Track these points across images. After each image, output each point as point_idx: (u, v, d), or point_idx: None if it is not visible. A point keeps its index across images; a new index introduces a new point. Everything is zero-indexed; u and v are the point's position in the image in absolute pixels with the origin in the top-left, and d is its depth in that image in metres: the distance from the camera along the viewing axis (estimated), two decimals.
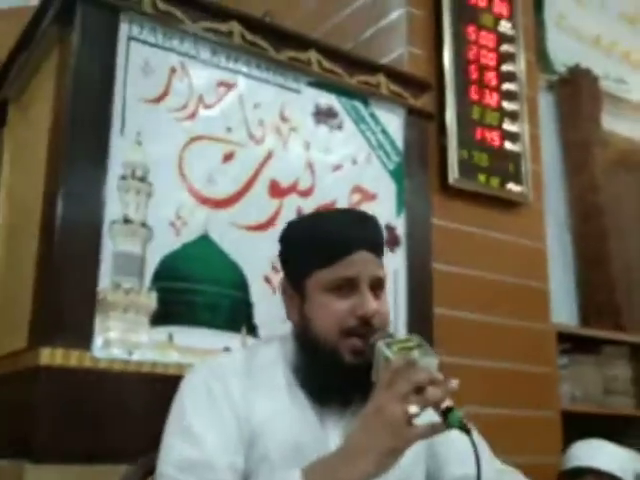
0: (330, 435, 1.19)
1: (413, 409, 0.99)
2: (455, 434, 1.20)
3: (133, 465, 1.39)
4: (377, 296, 1.23)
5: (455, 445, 1.24)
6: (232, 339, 1.91)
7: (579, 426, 2.62)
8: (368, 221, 1.29)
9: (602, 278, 3.28)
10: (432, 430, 1.01)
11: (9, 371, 1.84)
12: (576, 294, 3.32)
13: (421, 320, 2.29)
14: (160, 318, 1.82)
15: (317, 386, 1.21)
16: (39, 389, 1.63)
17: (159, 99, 1.94)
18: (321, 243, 1.22)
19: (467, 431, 1.00)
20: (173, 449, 1.14)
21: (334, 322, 1.19)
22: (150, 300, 1.80)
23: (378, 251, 1.27)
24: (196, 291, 1.89)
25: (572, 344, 2.88)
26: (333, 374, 1.18)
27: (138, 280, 1.80)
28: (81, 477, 1.61)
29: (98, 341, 1.71)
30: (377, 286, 1.23)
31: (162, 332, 1.81)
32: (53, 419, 1.62)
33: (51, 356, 1.63)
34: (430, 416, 1.04)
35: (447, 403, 1.01)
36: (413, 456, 1.22)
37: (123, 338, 1.75)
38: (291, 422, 1.18)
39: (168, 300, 1.84)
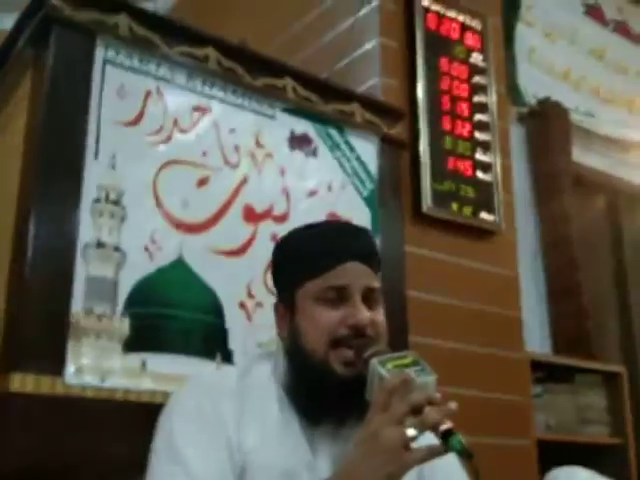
0: (321, 462, 1.14)
1: (411, 432, 0.95)
2: (451, 464, 1.22)
3: None
4: (371, 307, 1.19)
5: (440, 466, 1.20)
6: (207, 365, 1.87)
7: (554, 455, 2.61)
8: (360, 232, 1.28)
9: (573, 307, 3.30)
10: (431, 454, 0.97)
11: None
12: (548, 323, 3.33)
13: (397, 347, 2.27)
14: (133, 344, 1.78)
15: (308, 403, 1.16)
16: (10, 416, 1.58)
17: (134, 122, 1.92)
18: (311, 253, 1.20)
19: (469, 455, 0.96)
20: (161, 475, 1.09)
21: (324, 332, 1.15)
22: (123, 326, 1.77)
23: (371, 262, 1.23)
24: (170, 317, 1.86)
25: (546, 373, 2.88)
26: (324, 388, 1.13)
27: (111, 305, 1.77)
28: None
29: (70, 368, 1.67)
30: (371, 297, 1.20)
31: (135, 358, 1.77)
32: (24, 446, 1.57)
33: (22, 382, 1.59)
34: (428, 439, 0.99)
35: (446, 425, 0.96)
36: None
37: (95, 365, 1.70)
38: (281, 449, 1.13)
39: (141, 326, 1.81)
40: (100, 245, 1.79)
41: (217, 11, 3.57)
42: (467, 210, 2.74)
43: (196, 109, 2.06)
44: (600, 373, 3.02)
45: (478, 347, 2.61)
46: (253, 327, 2.00)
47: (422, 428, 0.96)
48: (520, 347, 2.76)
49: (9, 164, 1.93)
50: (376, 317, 1.19)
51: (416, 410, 0.97)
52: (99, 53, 1.90)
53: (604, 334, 3.47)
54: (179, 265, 1.91)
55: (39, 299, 1.67)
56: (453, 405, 0.98)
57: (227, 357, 1.92)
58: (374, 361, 1.07)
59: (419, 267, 2.51)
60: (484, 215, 2.78)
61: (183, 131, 2.01)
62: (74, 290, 1.72)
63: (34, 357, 1.62)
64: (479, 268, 2.73)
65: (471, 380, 2.53)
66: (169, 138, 1.98)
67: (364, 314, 1.16)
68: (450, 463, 1.26)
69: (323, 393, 1.14)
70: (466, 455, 0.96)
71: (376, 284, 1.22)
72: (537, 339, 3.20)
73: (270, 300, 2.00)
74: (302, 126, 2.28)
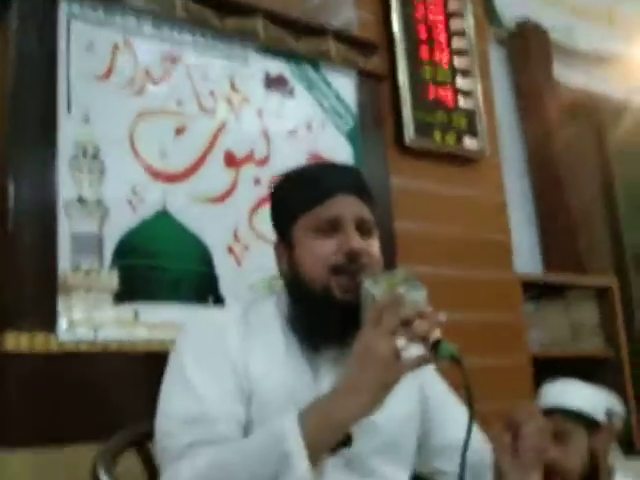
0: (323, 385, 1.19)
1: (401, 343, 1.00)
2: (451, 403, 1.32)
3: (110, 439, 1.40)
4: (365, 237, 1.23)
5: (451, 412, 1.31)
6: (200, 311, 1.91)
7: (549, 371, 2.67)
8: (350, 169, 1.35)
9: (562, 225, 3.32)
10: (421, 361, 1.02)
11: None
12: (539, 242, 3.36)
13: None
14: (124, 296, 1.81)
15: (310, 329, 1.21)
16: (6, 374, 1.63)
17: (105, 76, 1.92)
18: (304, 188, 1.24)
19: (457, 361, 1.00)
20: (173, 403, 1.15)
21: (322, 261, 1.19)
22: (112, 279, 1.80)
23: (363, 196, 1.26)
24: (159, 267, 1.89)
25: (538, 291, 2.92)
26: (326, 312, 1.18)
27: (98, 260, 1.79)
28: (58, 459, 1.62)
29: (62, 323, 1.71)
30: (364, 228, 1.23)
31: (127, 310, 1.81)
32: (23, 404, 1.61)
33: (16, 341, 1.63)
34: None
35: (436, 335, 1.00)
36: (407, 413, 1.26)
37: (87, 318, 1.74)
38: (286, 374, 1.19)
39: (131, 277, 1.84)
40: (82, 201, 1.80)
41: None
42: (450, 138, 2.74)
43: (166, 58, 2.04)
44: (591, 288, 3.06)
45: (468, 271, 2.64)
46: (243, 270, 2.03)
47: (412, 339, 1.01)
48: (510, 269, 2.79)
49: None
50: (370, 246, 1.23)
51: (406, 323, 1.01)
52: (63, 9, 1.88)
53: (595, 249, 3.49)
54: (163, 216, 1.93)
55: (26, 258, 1.70)
56: (442, 316, 1.03)
57: (219, 301, 1.95)
58: (367, 282, 1.12)
59: (405, 198, 2.53)
60: (468, 142, 2.78)
61: (155, 81, 2.01)
62: (60, 247, 1.75)
63: (26, 315, 1.66)
64: (465, 195, 2.74)
65: (463, 304, 2.56)
66: (142, 89, 1.97)
67: (357, 240, 1.20)
68: (447, 394, 1.37)
69: (324, 318, 1.18)
70: (454, 360, 1.00)
71: (368, 216, 1.25)
72: (528, 259, 3.23)
73: (257, 243, 2.06)
74: (277, 67, 2.27)
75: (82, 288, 1.74)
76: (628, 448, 2.72)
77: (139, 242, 1.87)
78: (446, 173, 2.71)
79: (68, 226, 1.77)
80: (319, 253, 1.20)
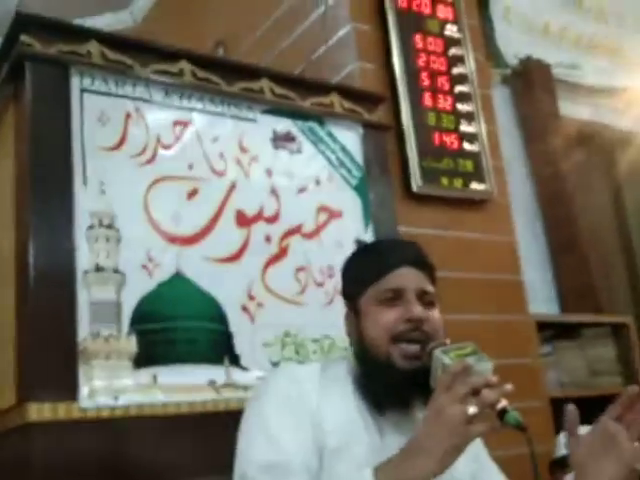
0: (389, 446, 1.24)
1: (471, 409, 1.06)
2: (495, 470, 1.41)
3: None
4: (427, 308, 1.31)
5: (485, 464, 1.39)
6: (216, 371, 1.95)
7: None
8: (411, 243, 1.44)
9: (577, 262, 3.34)
10: (490, 428, 1.08)
11: (1, 429, 1.87)
12: (553, 280, 3.38)
13: None
14: (143, 360, 1.85)
15: (375, 393, 1.29)
16: (31, 445, 1.67)
17: (118, 146, 1.98)
18: (370, 262, 1.36)
19: (524, 429, 1.09)
20: (254, 449, 1.21)
21: (384, 329, 1.28)
22: (130, 344, 1.84)
23: (424, 269, 1.36)
24: (175, 329, 1.93)
25: (553, 331, 2.93)
26: (388, 379, 1.26)
27: (116, 326, 1.84)
28: None
29: (84, 391, 1.74)
30: (425, 299, 1.32)
31: (146, 374, 1.85)
32: (48, 473, 1.65)
33: (39, 412, 1.67)
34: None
35: (503, 404, 1.09)
36: (462, 478, 1.31)
37: (108, 385, 1.78)
38: (357, 431, 1.26)
39: (148, 342, 1.88)
40: (99, 269, 1.85)
41: (191, 14, 3.60)
42: (457, 183, 2.78)
43: (177, 123, 2.11)
44: (607, 325, 3.07)
45: (482, 316, 2.66)
46: (257, 328, 2.06)
47: (481, 406, 1.08)
48: (524, 310, 2.81)
49: (4, 192, 1.99)
50: (432, 317, 1.32)
51: (475, 391, 1.09)
52: (75, 82, 1.95)
53: (611, 286, 3.50)
54: (178, 278, 1.97)
55: (46, 327, 1.75)
56: (508, 386, 1.12)
57: (234, 361, 1.99)
58: (437, 351, 1.19)
59: None
60: (475, 185, 2.82)
61: (167, 147, 2.07)
62: (79, 316, 1.80)
63: (48, 385, 1.70)
64: (475, 238, 2.78)
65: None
66: (154, 156, 2.03)
67: (418, 309, 1.29)
68: (492, 464, 1.45)
69: (387, 385, 1.27)
70: (520, 428, 1.09)
71: (429, 288, 1.34)
72: (543, 298, 3.25)
73: (270, 300, 2.10)
74: (283, 125, 2.32)
75: (102, 355, 1.79)
76: None
77: (155, 306, 1.92)
78: (455, 218, 2.74)
79: (87, 294, 1.82)
80: (382, 322, 1.29)
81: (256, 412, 1.26)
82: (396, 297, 1.30)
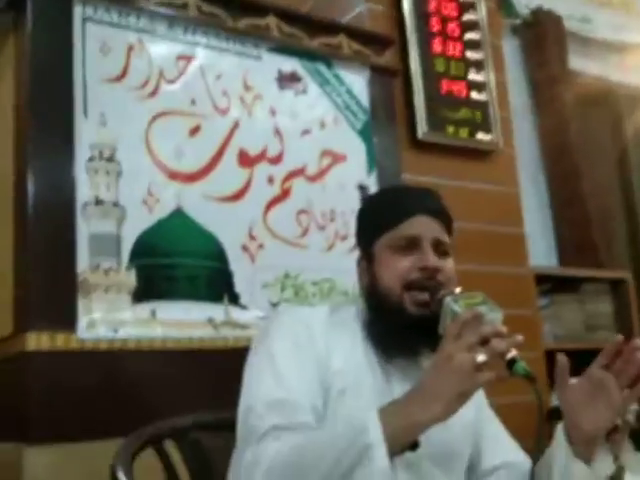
0: (395, 390, 1.25)
1: (480, 357, 1.05)
2: (497, 427, 1.41)
3: (127, 438, 1.44)
4: (441, 257, 1.29)
5: (498, 436, 1.40)
6: (215, 309, 1.95)
7: None
8: (429, 192, 1.40)
9: (578, 216, 3.32)
10: (497, 377, 1.06)
11: None
12: (554, 234, 3.37)
13: None
14: (142, 295, 1.85)
15: (385, 337, 1.28)
16: (28, 374, 1.67)
17: (120, 78, 1.94)
18: (386, 208, 1.33)
19: (532, 379, 1.07)
20: (263, 386, 1.20)
21: (398, 276, 1.26)
22: (130, 278, 1.84)
23: (441, 218, 1.34)
24: (175, 265, 1.92)
25: (552, 285, 2.93)
26: (398, 326, 1.25)
27: (116, 259, 1.83)
28: (78, 454, 1.66)
29: (83, 322, 1.74)
30: (440, 249, 1.30)
31: (145, 308, 1.85)
32: (45, 402, 1.66)
33: (37, 341, 1.67)
34: None
35: (512, 354, 1.07)
36: (463, 428, 1.31)
37: (107, 317, 1.78)
38: (363, 373, 1.26)
39: (148, 276, 1.87)
40: (99, 202, 1.83)
41: None
42: (463, 132, 2.74)
43: (180, 58, 2.07)
44: (606, 281, 3.07)
45: (483, 266, 2.65)
46: (257, 268, 2.06)
47: (490, 355, 1.06)
48: (525, 262, 2.80)
49: (3, 122, 1.96)
50: (445, 266, 1.30)
51: (485, 340, 1.07)
52: (77, 11, 1.91)
53: (611, 241, 3.48)
54: (178, 215, 1.96)
55: (45, 259, 1.74)
56: (519, 337, 1.09)
57: (234, 300, 1.98)
58: (448, 299, 1.17)
59: None
60: (481, 135, 2.79)
61: (170, 81, 2.03)
62: (78, 248, 1.78)
63: (47, 316, 1.69)
64: (479, 189, 2.75)
65: None
66: (156, 90, 2.00)
67: (433, 258, 1.27)
68: (494, 418, 1.45)
69: (397, 330, 1.26)
70: (529, 378, 1.07)
71: (444, 238, 1.32)
72: (543, 251, 3.24)
73: (271, 241, 2.09)
74: (289, 64, 2.28)
75: (101, 288, 1.78)
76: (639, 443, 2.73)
77: (155, 241, 1.90)
78: (459, 167, 2.72)
79: (86, 227, 1.80)
80: (396, 269, 1.27)
81: (264, 350, 1.26)
82: (411, 245, 1.28)
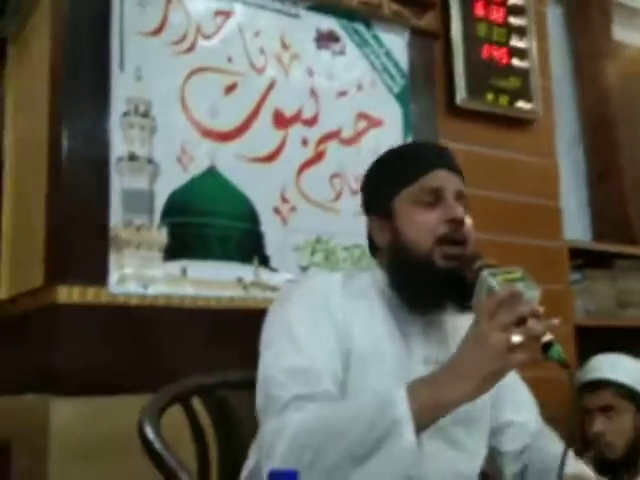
0: (415, 353, 1.25)
1: (516, 338, 1.02)
2: (518, 385, 1.38)
3: (155, 395, 1.44)
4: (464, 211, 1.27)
5: (518, 393, 1.38)
6: (244, 270, 1.94)
7: (594, 340, 2.65)
8: (445, 148, 1.37)
9: (614, 191, 3.25)
10: (531, 358, 1.03)
11: (28, 308, 1.88)
12: (589, 209, 3.30)
13: None
14: (173, 253, 1.84)
15: (409, 293, 1.25)
16: (58, 326, 1.68)
17: (157, 32, 1.91)
18: (405, 163, 1.30)
19: (567, 366, 1.03)
20: (282, 355, 1.18)
21: (427, 231, 1.23)
22: (162, 236, 1.83)
23: (460, 175, 1.31)
24: (207, 225, 1.91)
25: (585, 259, 2.88)
26: (427, 278, 1.22)
27: (148, 216, 1.82)
28: (105, 408, 1.67)
29: (114, 277, 1.75)
30: (463, 202, 1.27)
31: (175, 266, 1.84)
32: (74, 354, 1.67)
33: (68, 293, 1.67)
34: None
35: (548, 337, 1.03)
36: (485, 398, 1.26)
37: (138, 273, 1.78)
38: (382, 338, 1.24)
39: (180, 235, 1.86)
40: (133, 158, 1.82)
41: None
42: (503, 99, 2.68)
43: (219, 13, 2.03)
44: None
45: (516, 238, 2.61)
46: (288, 231, 2.04)
47: (526, 336, 1.03)
48: (559, 236, 2.75)
49: (39, 75, 1.95)
50: (468, 218, 1.27)
51: (520, 320, 1.04)
52: None
53: None
54: (212, 174, 1.94)
55: (78, 213, 1.74)
56: (555, 321, 1.06)
57: (264, 261, 1.97)
58: (485, 273, 1.12)
59: None
60: (521, 104, 2.72)
61: (207, 37, 2.00)
62: (111, 203, 1.78)
63: (78, 269, 1.70)
64: (517, 159, 2.70)
65: None
66: (193, 45, 1.97)
67: (460, 209, 1.24)
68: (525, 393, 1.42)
69: (426, 284, 1.22)
70: (563, 365, 1.03)
71: (465, 192, 1.30)
72: (577, 224, 3.18)
73: (304, 204, 2.06)
74: (328, 23, 2.23)
75: (133, 244, 1.78)
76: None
77: (188, 200, 1.89)
78: (497, 135, 2.66)
79: (119, 183, 1.79)
80: (424, 223, 1.24)
81: (280, 319, 1.23)
82: (436, 198, 1.25)
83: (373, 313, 1.26)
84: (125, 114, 1.82)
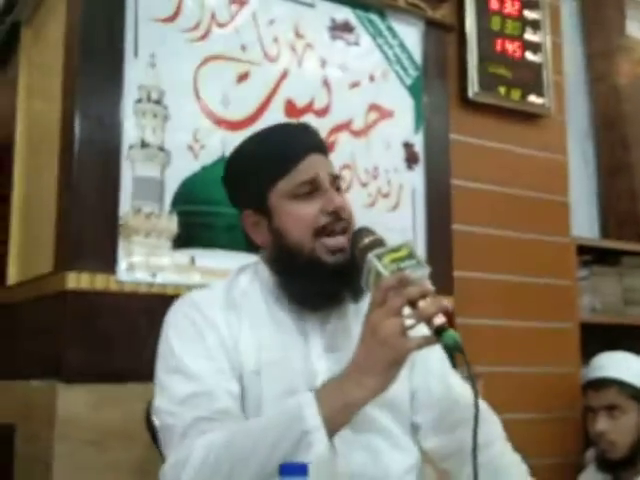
0: (314, 348, 1.21)
1: (407, 321, 1.00)
2: (433, 358, 1.28)
3: None
4: (339, 194, 1.24)
5: (431, 367, 1.29)
6: (252, 260, 1.92)
7: (599, 337, 2.65)
8: (308, 127, 1.32)
9: (624, 188, 3.24)
10: (426, 341, 1.01)
11: (36, 294, 1.89)
12: (597, 205, 3.29)
13: (440, 236, 2.30)
14: (182, 241, 1.84)
15: (301, 295, 1.21)
16: (67, 313, 1.68)
17: (171, 18, 1.90)
18: (274, 154, 1.23)
19: (460, 350, 0.99)
20: (169, 388, 1.15)
21: (306, 225, 1.19)
22: (171, 224, 1.83)
23: (326, 153, 1.29)
24: (216, 214, 1.90)
25: (593, 256, 2.87)
26: (315, 277, 1.18)
27: (158, 204, 1.82)
28: (111, 395, 1.68)
29: (122, 265, 1.75)
30: (336, 184, 1.24)
31: (184, 255, 1.84)
32: (82, 341, 1.67)
33: (77, 280, 1.67)
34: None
35: (440, 321, 0.99)
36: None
37: (146, 261, 1.78)
38: (276, 343, 1.20)
39: (189, 223, 1.86)
40: (145, 145, 1.82)
41: None
42: (515, 94, 2.67)
43: (233, 1, 2.02)
44: None
45: (525, 233, 2.61)
46: None
47: (418, 320, 1.01)
48: (567, 232, 2.75)
49: (53, 59, 1.94)
50: (346, 201, 1.24)
51: (412, 303, 1.01)
52: None
53: None
54: (223, 163, 1.91)
55: (88, 200, 1.74)
56: (445, 302, 1.03)
57: None
58: (371, 256, 1.08)
59: (465, 155, 2.49)
60: (533, 98, 2.71)
61: (221, 25, 1.98)
62: (122, 190, 1.78)
63: (87, 256, 1.70)
64: (527, 153, 2.69)
65: (516, 266, 2.55)
66: (207, 33, 1.96)
67: (339, 199, 1.21)
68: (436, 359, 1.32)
69: (314, 284, 1.18)
70: (457, 350, 0.99)
71: (336, 172, 1.27)
72: (586, 221, 3.17)
73: None
74: (343, 13, 2.22)
75: (142, 231, 1.78)
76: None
77: (198, 188, 1.89)
78: (508, 130, 2.65)
79: (130, 169, 1.79)
80: (303, 217, 1.19)
81: (165, 352, 1.20)
82: (312, 189, 1.20)
83: (262, 319, 1.22)
84: (138, 101, 1.82)
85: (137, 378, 1.65)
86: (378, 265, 1.07)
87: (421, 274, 1.06)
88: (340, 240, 1.19)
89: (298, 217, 1.19)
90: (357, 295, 1.21)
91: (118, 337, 1.71)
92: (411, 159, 2.28)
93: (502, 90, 2.63)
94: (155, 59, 1.85)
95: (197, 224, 1.87)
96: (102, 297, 1.70)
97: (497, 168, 2.59)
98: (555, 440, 2.45)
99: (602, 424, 2.23)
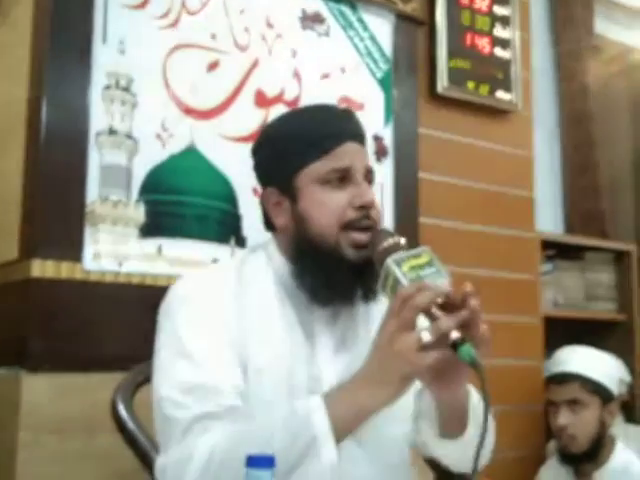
0: (318, 346, 1.19)
1: (425, 337, 0.98)
2: None
3: (128, 373, 1.44)
4: (370, 186, 1.20)
5: None
6: (221, 250, 1.93)
7: (561, 331, 2.70)
8: (351, 114, 1.26)
9: (589, 185, 3.29)
10: (443, 357, 0.99)
11: (1, 282, 1.86)
12: (562, 201, 3.34)
13: (407, 230, 2.31)
14: (149, 230, 1.83)
15: (317, 286, 1.17)
16: (31, 301, 1.66)
17: (142, 5, 1.88)
18: (312, 134, 1.17)
19: (476, 366, 0.98)
20: (174, 372, 1.11)
21: (332, 215, 1.14)
22: (138, 212, 1.81)
23: (364, 143, 1.23)
24: (184, 203, 1.90)
25: (556, 251, 2.92)
26: (335, 270, 1.14)
27: (126, 192, 1.80)
28: (76, 385, 1.67)
29: (88, 253, 1.73)
30: (369, 178, 1.20)
31: (151, 244, 1.83)
32: (46, 330, 1.65)
33: (42, 268, 1.65)
34: None
35: (457, 335, 0.98)
36: None
37: (113, 250, 1.76)
38: (281, 339, 1.17)
39: (157, 212, 1.85)
40: (112, 132, 1.80)
41: None
42: (484, 89, 2.69)
43: None
44: (610, 251, 3.05)
45: (490, 227, 2.64)
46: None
47: (434, 334, 0.98)
48: (531, 227, 2.79)
49: (20, 42, 1.90)
50: (376, 199, 1.20)
51: (430, 315, 0.99)
52: None
53: (618, 212, 3.46)
54: (191, 152, 1.92)
55: (54, 187, 1.71)
56: (464, 313, 1.00)
57: (241, 243, 1.96)
58: (389, 261, 1.05)
59: (433, 149, 2.50)
60: (501, 94, 2.73)
61: (191, 13, 1.97)
62: (89, 177, 1.76)
63: (53, 244, 1.68)
64: (493, 149, 2.71)
65: (481, 259, 2.58)
66: (177, 20, 1.94)
67: (370, 195, 1.17)
68: None
69: (333, 276, 1.15)
70: (473, 365, 0.98)
71: (370, 165, 1.22)
72: (550, 217, 3.21)
73: None
74: (314, 3, 2.21)
75: (109, 220, 1.76)
76: (630, 414, 2.77)
77: (167, 177, 1.88)
78: (476, 125, 2.67)
79: (98, 157, 1.77)
80: (331, 207, 1.15)
81: (171, 335, 1.14)
82: (344, 178, 1.16)
83: (270, 310, 1.17)
84: (107, 87, 1.80)
85: (102, 367, 1.65)
86: (397, 272, 1.04)
87: (441, 283, 1.04)
88: (364, 237, 1.15)
89: (325, 205, 1.15)
90: (369, 296, 1.17)
91: (83, 326, 1.69)
92: (380, 152, 2.30)
93: (471, 85, 2.65)
94: (124, 45, 1.83)
95: (164, 213, 1.86)
96: (67, 285, 1.68)
97: (464, 162, 2.61)
98: (517, 432, 2.49)
99: (564, 418, 2.27)
